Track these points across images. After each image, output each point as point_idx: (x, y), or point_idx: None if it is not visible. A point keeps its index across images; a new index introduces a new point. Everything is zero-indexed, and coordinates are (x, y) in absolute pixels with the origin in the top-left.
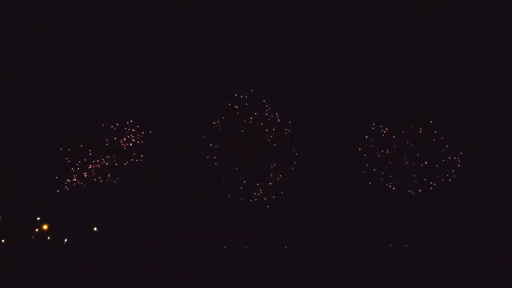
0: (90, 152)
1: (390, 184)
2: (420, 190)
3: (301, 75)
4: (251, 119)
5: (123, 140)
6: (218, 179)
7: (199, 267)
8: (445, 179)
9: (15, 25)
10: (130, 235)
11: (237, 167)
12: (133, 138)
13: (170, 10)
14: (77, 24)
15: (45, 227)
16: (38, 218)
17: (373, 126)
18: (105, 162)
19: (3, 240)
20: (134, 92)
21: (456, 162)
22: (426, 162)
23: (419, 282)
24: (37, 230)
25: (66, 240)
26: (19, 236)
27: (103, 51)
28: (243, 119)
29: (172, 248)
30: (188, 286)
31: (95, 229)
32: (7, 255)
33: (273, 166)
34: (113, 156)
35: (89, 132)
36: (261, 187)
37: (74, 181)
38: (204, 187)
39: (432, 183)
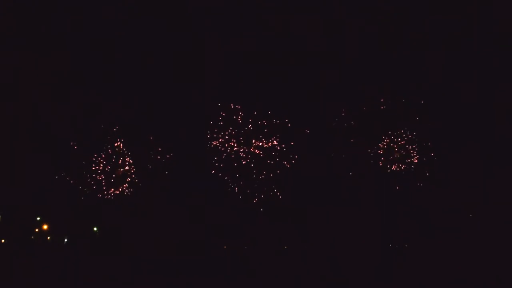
0: (91, 152)
1: (390, 183)
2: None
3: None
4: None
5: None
6: (218, 179)
7: (199, 267)
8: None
9: (15, 24)
10: (129, 235)
11: (236, 166)
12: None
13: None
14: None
15: (45, 227)
16: (38, 218)
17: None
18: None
19: (3, 240)
20: (135, 94)
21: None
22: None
23: (419, 282)
24: (37, 230)
25: (66, 240)
26: (19, 236)
27: (103, 52)
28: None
29: (171, 248)
30: (188, 286)
31: (95, 229)
32: (7, 255)
33: (272, 166)
34: None
35: (90, 132)
36: (260, 187)
37: (75, 181)
38: (204, 188)
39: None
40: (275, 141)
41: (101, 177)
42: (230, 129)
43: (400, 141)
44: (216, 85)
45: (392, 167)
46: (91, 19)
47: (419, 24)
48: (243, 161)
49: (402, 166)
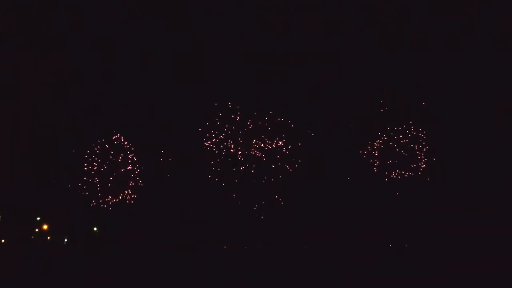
0: (90, 153)
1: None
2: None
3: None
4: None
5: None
6: (219, 179)
7: (199, 267)
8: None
9: (15, 24)
10: (129, 235)
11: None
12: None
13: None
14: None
15: (45, 227)
16: (38, 218)
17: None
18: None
19: (3, 240)
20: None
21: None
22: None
23: (418, 282)
24: (37, 230)
25: (66, 240)
26: (19, 236)
27: (103, 52)
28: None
29: (171, 248)
30: (187, 286)
31: (95, 229)
32: (7, 255)
33: (271, 167)
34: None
35: (91, 132)
36: (260, 188)
37: (75, 181)
38: (204, 188)
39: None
40: (280, 142)
41: (101, 178)
42: (226, 128)
43: (403, 138)
44: (216, 85)
45: (393, 168)
46: (91, 19)
47: (419, 24)
48: (241, 165)
49: (404, 171)
